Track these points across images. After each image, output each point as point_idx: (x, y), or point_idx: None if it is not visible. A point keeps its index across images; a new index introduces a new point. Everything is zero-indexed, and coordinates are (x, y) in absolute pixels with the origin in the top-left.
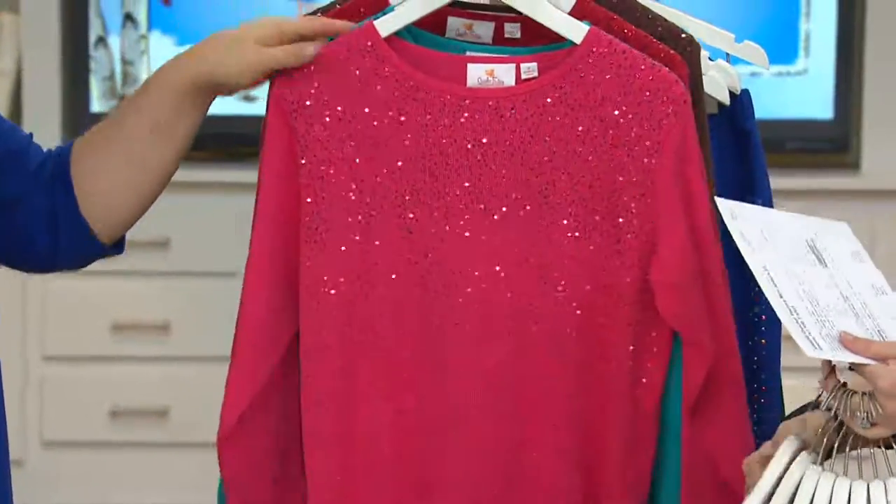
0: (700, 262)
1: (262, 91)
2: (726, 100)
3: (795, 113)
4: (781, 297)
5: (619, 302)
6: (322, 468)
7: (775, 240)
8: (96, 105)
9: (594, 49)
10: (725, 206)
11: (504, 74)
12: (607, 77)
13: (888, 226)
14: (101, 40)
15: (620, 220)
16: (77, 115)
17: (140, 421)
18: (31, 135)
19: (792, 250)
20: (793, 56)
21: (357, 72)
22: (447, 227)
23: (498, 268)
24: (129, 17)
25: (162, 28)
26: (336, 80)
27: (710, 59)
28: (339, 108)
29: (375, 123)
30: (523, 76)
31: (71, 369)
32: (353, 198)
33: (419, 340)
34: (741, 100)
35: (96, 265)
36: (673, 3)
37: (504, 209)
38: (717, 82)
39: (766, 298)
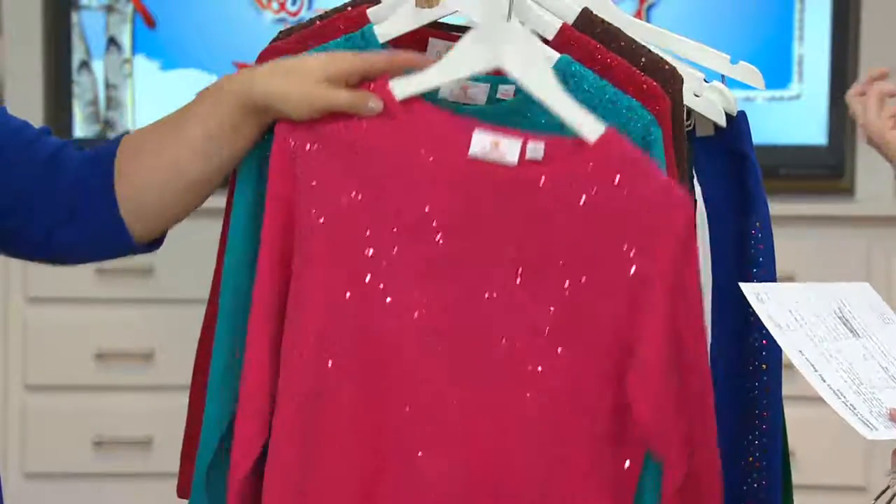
0: (682, 380)
1: None
2: (722, 122)
3: (789, 138)
4: (825, 381)
5: (589, 405)
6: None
7: (804, 318)
8: (79, 130)
9: (607, 150)
10: (750, 290)
11: (508, 149)
12: (614, 184)
13: (883, 252)
14: (85, 64)
15: (601, 324)
16: None
17: (124, 451)
18: (44, 129)
19: (823, 326)
20: (786, 80)
21: (363, 126)
22: (422, 298)
23: (464, 354)
24: (112, 41)
25: (146, 52)
26: (340, 131)
27: (705, 80)
28: (337, 161)
29: (371, 180)
30: (528, 155)
31: (53, 399)
32: (332, 252)
33: (376, 418)
34: (738, 122)
35: (79, 292)
36: (665, 27)
37: (484, 291)
38: (714, 104)
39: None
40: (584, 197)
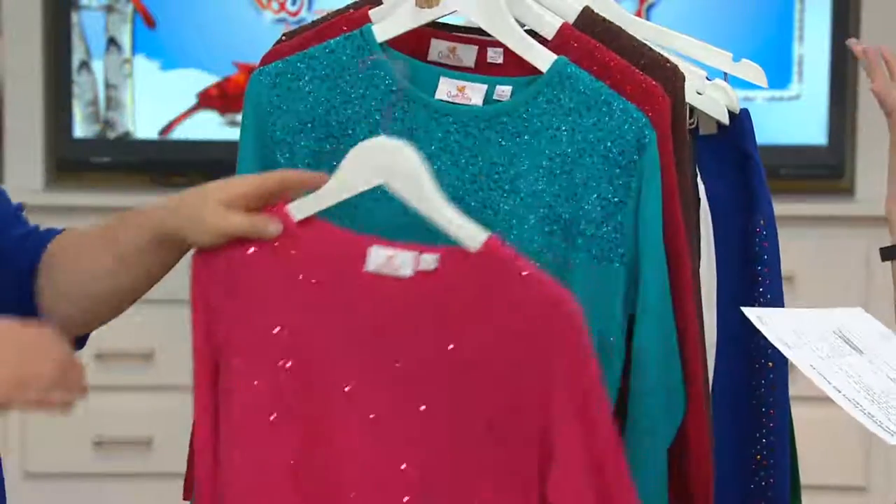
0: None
1: None
2: (725, 120)
3: (789, 138)
4: (840, 391)
5: None
6: None
7: (808, 337)
8: (79, 130)
9: (488, 261)
10: (752, 313)
11: (402, 262)
12: (497, 299)
13: None
14: (85, 65)
15: (507, 449)
16: (60, 141)
17: (124, 451)
18: (19, 205)
19: (827, 344)
20: (786, 80)
21: (264, 250)
22: (320, 424)
23: (371, 477)
24: (112, 42)
25: (146, 52)
26: (244, 257)
27: (707, 78)
28: (243, 287)
29: (271, 305)
30: (420, 266)
31: None
32: (238, 386)
33: None
34: (741, 120)
35: None
36: (666, 27)
37: (378, 415)
38: (716, 102)
39: None
40: (472, 315)
